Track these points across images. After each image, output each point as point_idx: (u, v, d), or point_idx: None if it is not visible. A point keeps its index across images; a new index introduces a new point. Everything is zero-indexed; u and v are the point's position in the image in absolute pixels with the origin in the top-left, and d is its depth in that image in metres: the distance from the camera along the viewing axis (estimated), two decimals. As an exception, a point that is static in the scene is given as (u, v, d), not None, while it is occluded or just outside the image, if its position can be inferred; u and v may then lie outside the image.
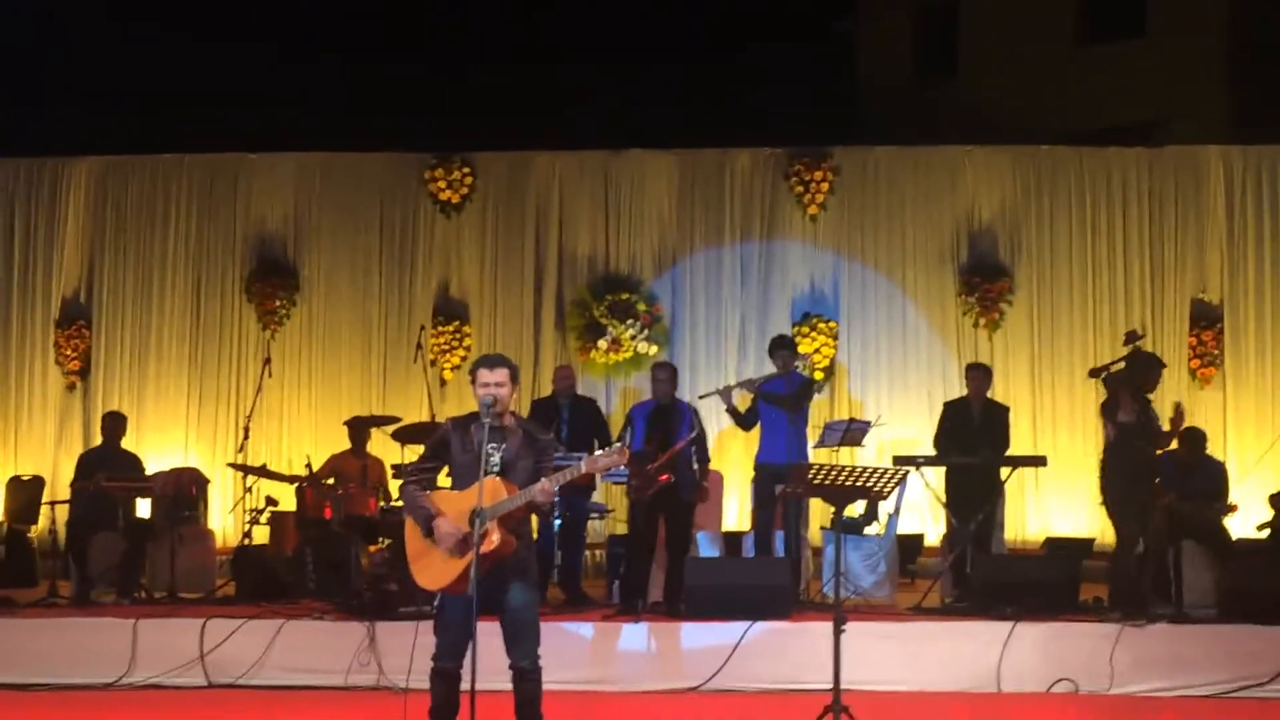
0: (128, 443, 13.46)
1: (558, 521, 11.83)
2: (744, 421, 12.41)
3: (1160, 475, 12.04)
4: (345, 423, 13.55)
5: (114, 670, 10.42)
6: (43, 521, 14.80)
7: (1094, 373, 11.70)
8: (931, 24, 21.85)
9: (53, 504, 13.67)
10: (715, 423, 13.86)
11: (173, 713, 9.52)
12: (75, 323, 16.37)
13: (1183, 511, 11.56)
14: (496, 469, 7.24)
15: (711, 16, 15.52)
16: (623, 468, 10.68)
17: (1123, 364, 11.30)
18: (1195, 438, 12.35)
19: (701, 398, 12.65)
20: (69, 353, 16.32)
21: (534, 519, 7.68)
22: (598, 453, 7.23)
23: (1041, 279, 15.92)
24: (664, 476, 10.92)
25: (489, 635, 7.19)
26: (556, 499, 7.44)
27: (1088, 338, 15.79)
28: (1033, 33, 20.50)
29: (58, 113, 15.58)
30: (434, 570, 7.25)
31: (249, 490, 12.86)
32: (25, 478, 15.59)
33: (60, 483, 14.99)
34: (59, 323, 16.41)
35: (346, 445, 13.36)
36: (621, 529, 13.77)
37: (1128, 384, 11.05)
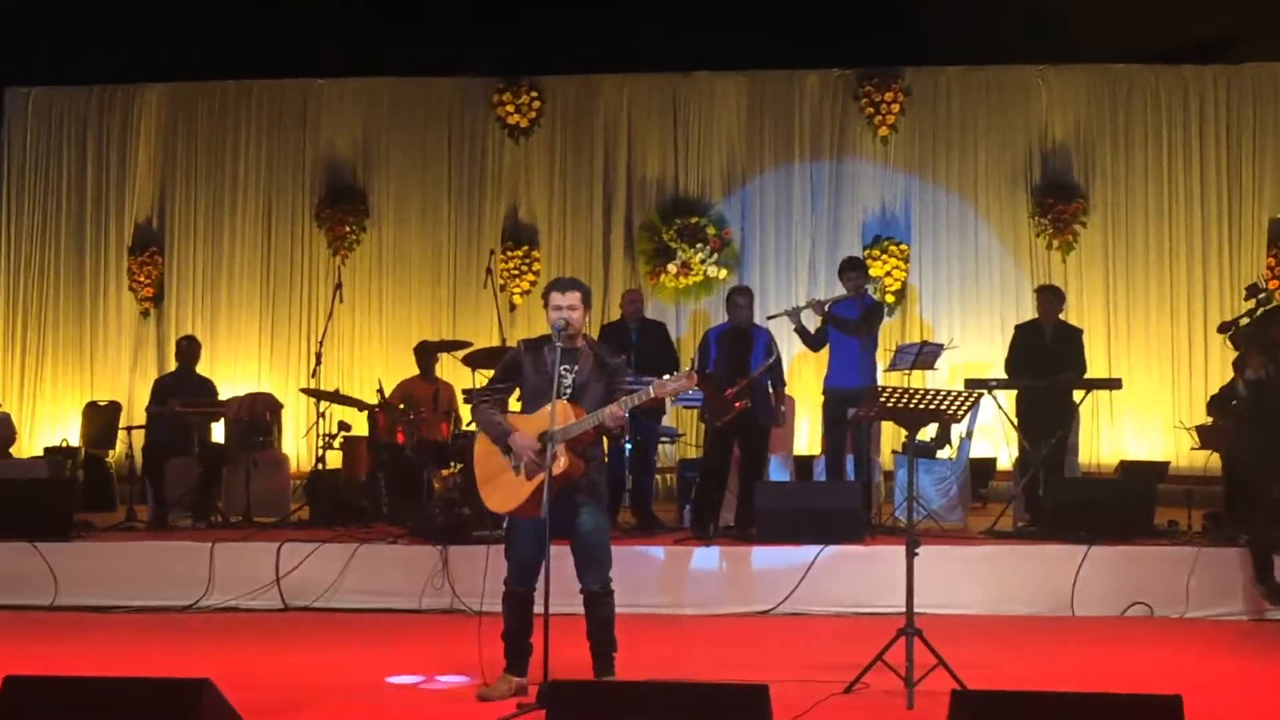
0: (202, 368, 13.56)
1: (628, 445, 11.83)
2: (813, 342, 12.34)
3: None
4: (414, 348, 13.59)
5: (192, 593, 10.54)
6: (119, 446, 15.03)
7: (1222, 328, 11.53)
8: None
9: (129, 429, 13.86)
10: (786, 347, 13.77)
11: (250, 635, 9.60)
12: (148, 249, 16.50)
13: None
14: (569, 392, 7.25)
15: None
16: (694, 391, 10.67)
17: (1247, 319, 11.06)
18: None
19: (770, 318, 12.59)
20: (142, 279, 16.46)
21: (604, 442, 7.68)
22: (666, 377, 7.20)
23: (1116, 200, 15.75)
24: (739, 403, 10.88)
25: (560, 558, 7.22)
26: (626, 422, 7.43)
27: (1163, 259, 15.64)
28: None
29: (127, 38, 15.56)
30: (504, 493, 7.28)
31: (322, 415, 12.94)
32: (102, 403, 15.81)
33: (136, 408, 15.16)
34: (132, 249, 16.55)
35: (417, 370, 13.41)
36: (692, 453, 13.82)
37: (1255, 339, 10.77)
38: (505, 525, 7.33)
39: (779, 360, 11.45)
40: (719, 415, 10.99)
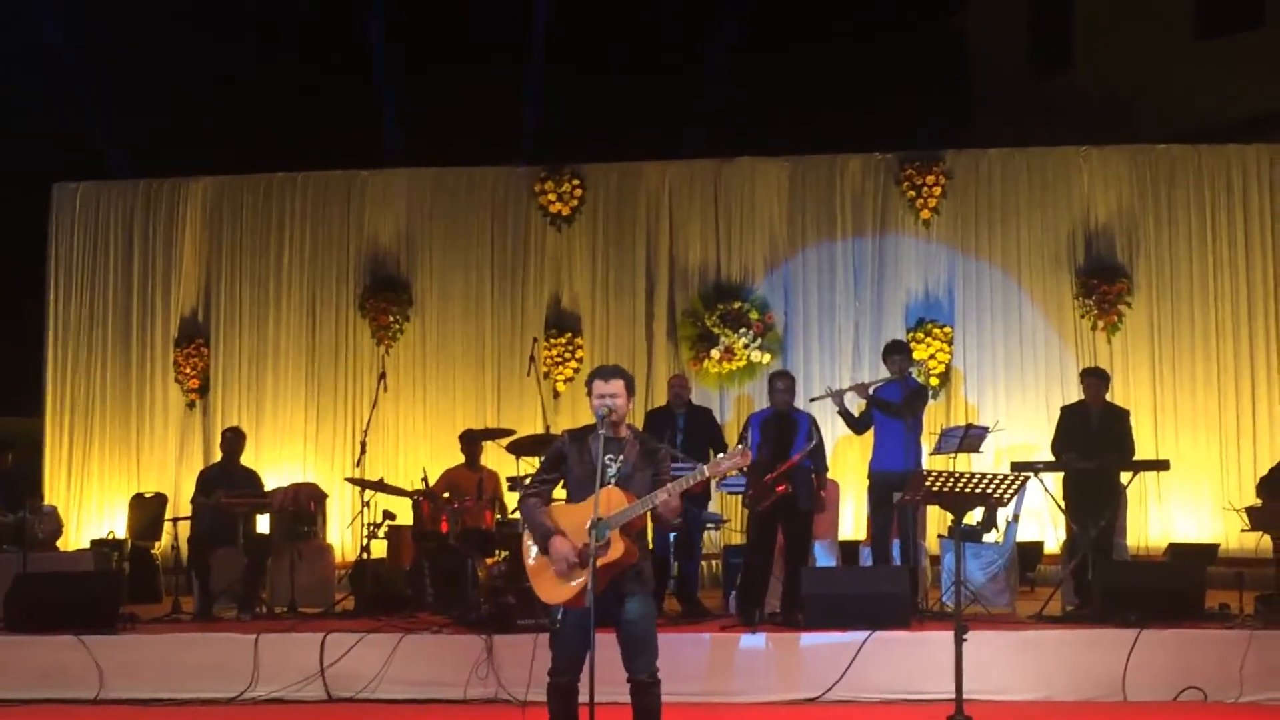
0: (247, 458, 13.61)
1: (673, 533, 11.79)
2: (857, 425, 12.32)
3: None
4: (459, 436, 13.61)
5: (237, 685, 10.52)
6: (165, 538, 15.05)
7: None
8: (1046, 18, 21.68)
9: (175, 520, 13.88)
10: (830, 430, 13.76)
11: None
12: (194, 341, 16.59)
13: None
14: (614, 480, 7.22)
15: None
16: (740, 474, 10.64)
17: None
18: None
19: (813, 400, 12.57)
20: (188, 371, 16.54)
21: (649, 531, 7.64)
22: (719, 456, 7.20)
23: (1161, 280, 15.68)
24: (781, 487, 10.86)
25: (606, 647, 7.17)
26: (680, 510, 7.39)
27: (1209, 339, 15.54)
28: (1149, 26, 20.25)
29: (174, 133, 15.82)
30: (555, 583, 7.24)
31: (366, 505, 12.94)
32: (148, 495, 15.85)
33: (182, 499, 15.18)
34: (178, 341, 16.64)
35: (461, 459, 13.42)
36: (737, 539, 13.75)
37: None
38: (560, 615, 7.27)
39: (821, 444, 11.42)
40: (760, 500, 10.96)
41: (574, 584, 7.12)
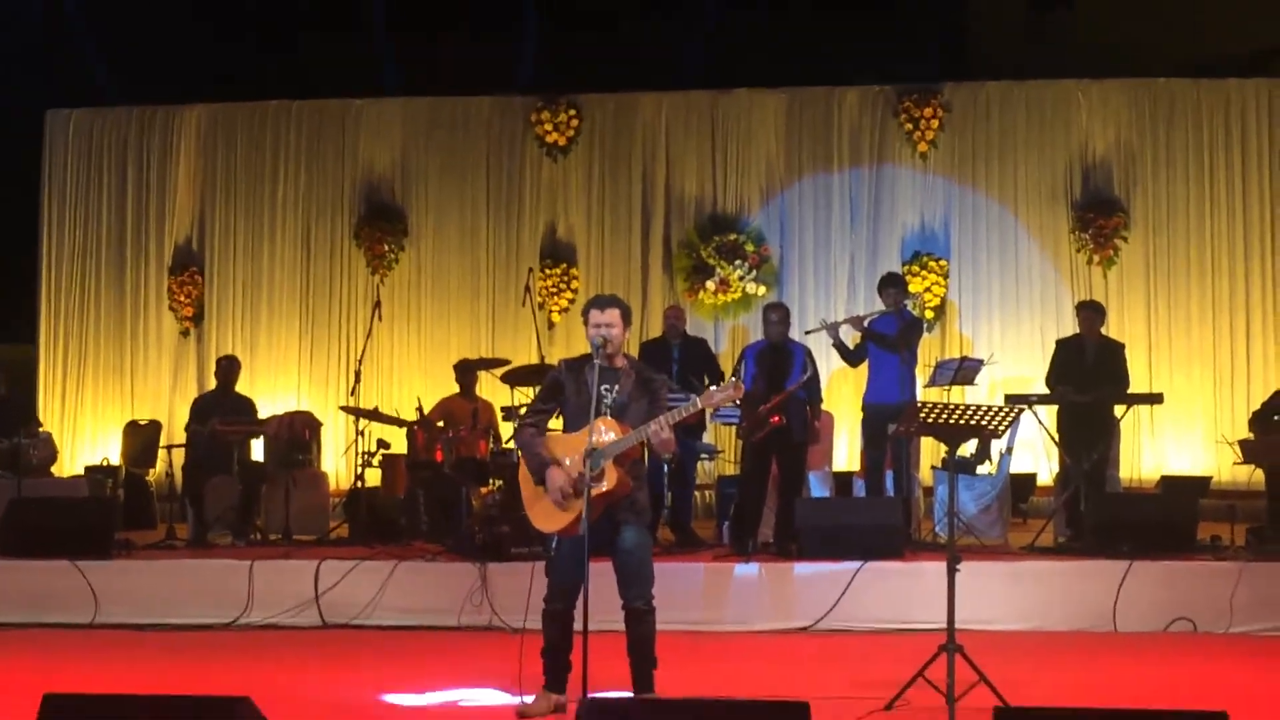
0: (241, 386, 13.61)
1: (667, 463, 11.81)
2: (851, 357, 12.33)
3: (1280, 410, 11.87)
4: (453, 366, 13.61)
5: (231, 611, 10.56)
6: (160, 465, 15.07)
7: None
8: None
9: (169, 448, 13.90)
10: (825, 362, 13.75)
11: (289, 653, 9.62)
12: (188, 269, 16.58)
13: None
14: (609, 410, 7.23)
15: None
16: (734, 406, 10.65)
17: None
18: None
19: (808, 333, 12.57)
20: (182, 299, 16.53)
21: (646, 460, 7.66)
22: (712, 388, 7.20)
23: (1157, 214, 15.66)
24: (775, 418, 10.87)
25: (601, 576, 7.21)
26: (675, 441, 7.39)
27: (1205, 274, 15.53)
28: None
29: (167, 60, 15.71)
30: (551, 513, 7.26)
31: (361, 433, 12.95)
32: (142, 422, 15.87)
33: (176, 427, 15.24)
34: (172, 269, 16.63)
35: (456, 388, 13.42)
36: (731, 470, 13.78)
37: None
38: (554, 543, 7.30)
39: (816, 376, 11.43)
40: (755, 431, 10.98)
41: (569, 513, 7.14)
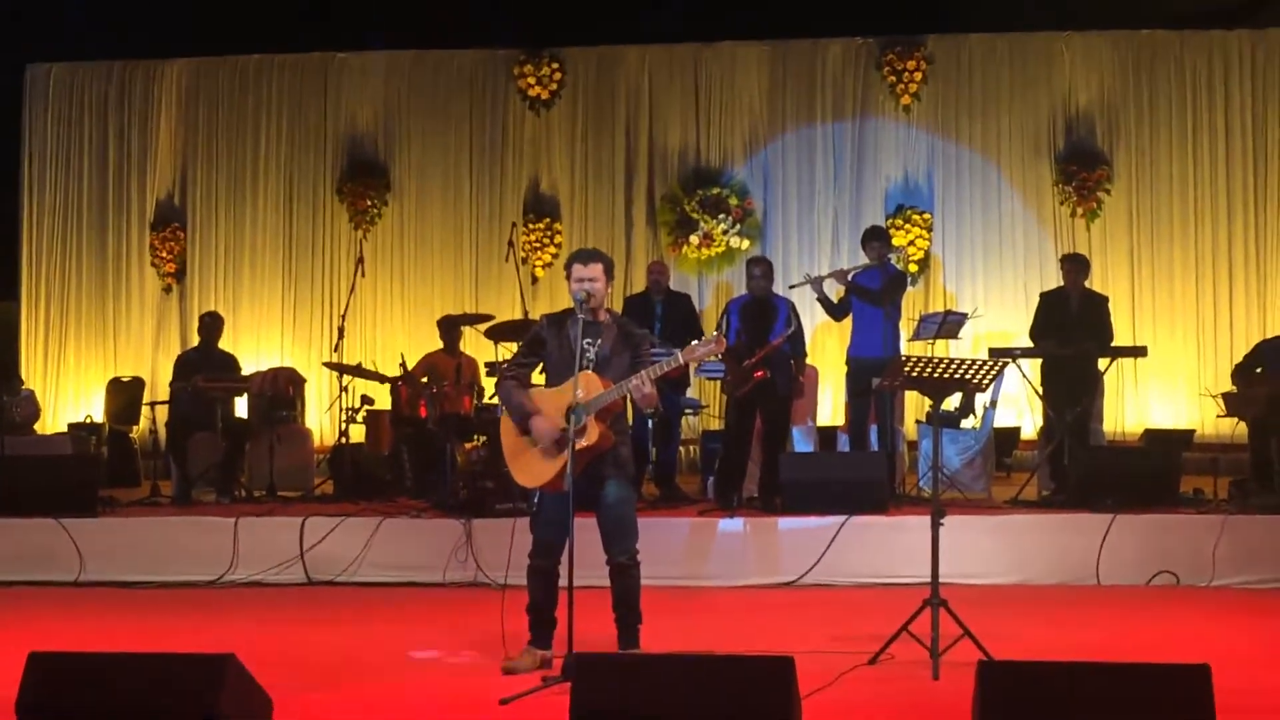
0: (224, 343, 13.59)
1: (650, 418, 11.81)
2: (836, 311, 12.30)
3: (1264, 362, 11.87)
4: (437, 322, 13.58)
5: (216, 568, 10.56)
6: (143, 422, 15.05)
7: None
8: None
9: (152, 405, 13.86)
10: (810, 316, 13.76)
11: (274, 609, 9.62)
12: (170, 225, 16.52)
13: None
14: (592, 364, 7.22)
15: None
16: (716, 360, 10.63)
17: None
18: None
19: (792, 287, 12.57)
20: (164, 255, 16.48)
21: (629, 415, 7.65)
22: (694, 342, 7.18)
23: (1140, 167, 15.66)
24: (759, 373, 10.87)
25: (586, 531, 7.21)
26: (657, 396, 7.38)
27: (1188, 226, 15.55)
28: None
29: (147, 13, 15.60)
30: (532, 468, 7.25)
31: (345, 389, 12.92)
32: (125, 379, 15.86)
33: (159, 384, 15.22)
34: (154, 225, 16.57)
35: (440, 344, 13.40)
36: (715, 424, 13.79)
37: None
38: (536, 499, 7.30)
39: (800, 330, 11.43)
40: (739, 386, 10.98)
41: (551, 468, 7.13)
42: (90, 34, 16.13)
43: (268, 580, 10.49)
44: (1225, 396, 11.92)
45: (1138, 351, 12.57)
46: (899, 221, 15.62)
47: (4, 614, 9.52)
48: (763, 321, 11.18)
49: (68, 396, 16.46)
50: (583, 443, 7.06)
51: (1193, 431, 14.48)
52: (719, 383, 12.46)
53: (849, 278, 12.02)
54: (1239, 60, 15.64)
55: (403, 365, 12.76)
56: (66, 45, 16.38)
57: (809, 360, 12.63)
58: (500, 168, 16.34)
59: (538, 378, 7.66)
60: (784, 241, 15.92)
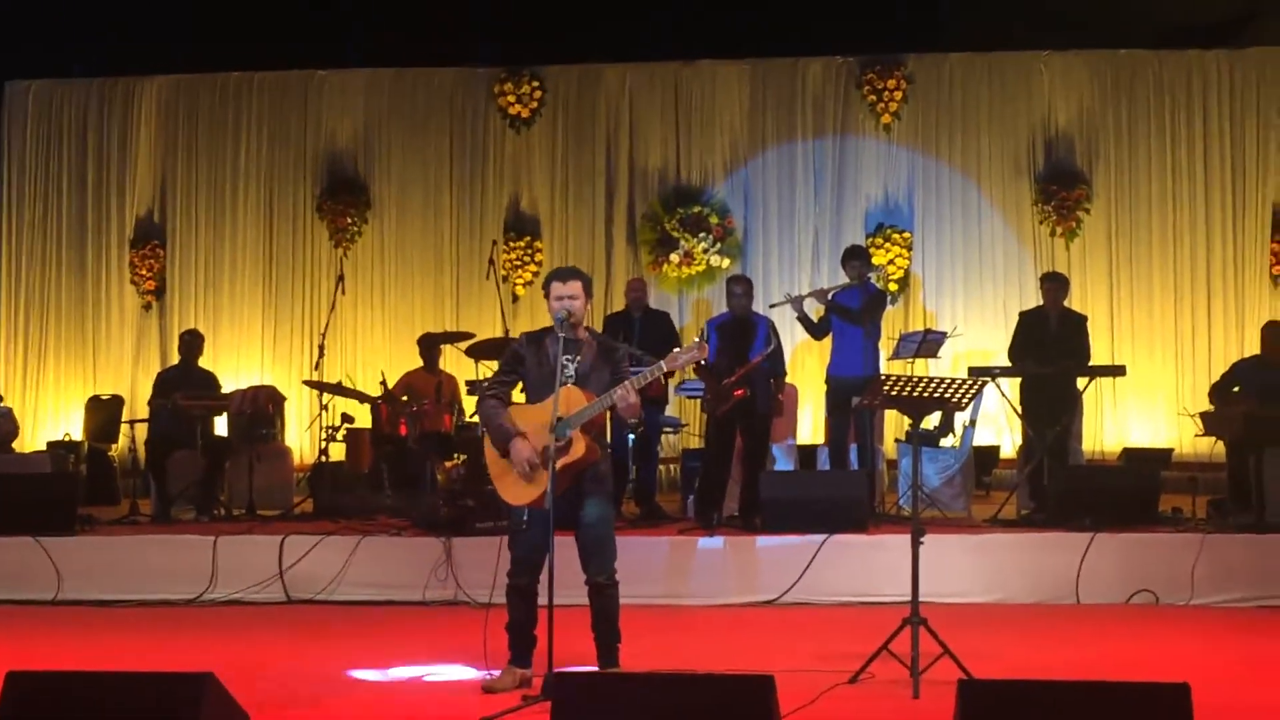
0: (204, 361, 13.55)
1: (631, 436, 11.81)
2: (816, 330, 12.32)
3: (1241, 381, 11.90)
4: (417, 340, 13.58)
5: (195, 587, 10.53)
6: (122, 440, 15.02)
7: None
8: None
9: (132, 423, 13.82)
10: (790, 335, 13.77)
11: (253, 628, 9.60)
12: (149, 243, 16.50)
13: (1264, 418, 11.35)
14: (571, 380, 7.22)
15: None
16: (695, 378, 10.65)
17: None
18: (1276, 337, 12.09)
19: (772, 306, 12.60)
20: (144, 272, 16.45)
21: (608, 433, 7.65)
22: (676, 350, 7.20)
23: (1120, 186, 15.72)
24: (739, 391, 10.87)
25: (565, 549, 7.20)
26: (640, 409, 7.37)
27: (1166, 246, 15.61)
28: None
29: (126, 32, 15.60)
30: (519, 485, 7.24)
31: (325, 408, 12.92)
32: (104, 397, 15.81)
33: (139, 402, 15.17)
34: (133, 243, 16.55)
35: (419, 362, 13.39)
36: (695, 443, 13.79)
37: None
38: (525, 515, 7.26)
39: (779, 348, 11.44)
40: (719, 404, 10.98)
41: (539, 485, 7.11)
42: (69, 51, 16.10)
43: (247, 599, 10.46)
44: (1203, 416, 11.95)
45: (1116, 371, 12.61)
46: (879, 240, 15.66)
47: (-18, 633, 9.48)
48: (742, 340, 11.18)
49: (46, 414, 16.41)
50: (569, 457, 7.06)
51: (1171, 450, 14.51)
52: (699, 401, 12.47)
53: (829, 297, 12.04)
54: (1217, 80, 15.72)
55: (383, 383, 12.75)
56: (45, 62, 16.35)
57: (789, 379, 12.64)
58: (481, 186, 16.35)
59: (518, 396, 7.66)
60: (764, 260, 15.95)
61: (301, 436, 15.33)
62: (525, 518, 7.26)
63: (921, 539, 7.48)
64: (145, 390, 14.29)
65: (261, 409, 13.16)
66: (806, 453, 13.87)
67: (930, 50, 15.97)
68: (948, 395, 7.83)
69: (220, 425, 13.40)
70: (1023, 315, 12.65)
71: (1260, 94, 15.64)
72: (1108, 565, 10.24)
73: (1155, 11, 15.31)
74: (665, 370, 7.20)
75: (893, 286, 15.42)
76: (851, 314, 11.85)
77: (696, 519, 11.32)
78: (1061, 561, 10.29)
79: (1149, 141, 15.72)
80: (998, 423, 14.91)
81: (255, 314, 16.38)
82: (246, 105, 16.60)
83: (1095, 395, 14.42)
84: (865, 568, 10.29)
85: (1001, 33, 15.66)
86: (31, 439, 15.92)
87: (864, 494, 10.99)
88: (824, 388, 12.46)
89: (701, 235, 15.76)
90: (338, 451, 13.39)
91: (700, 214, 15.83)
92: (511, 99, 16.19)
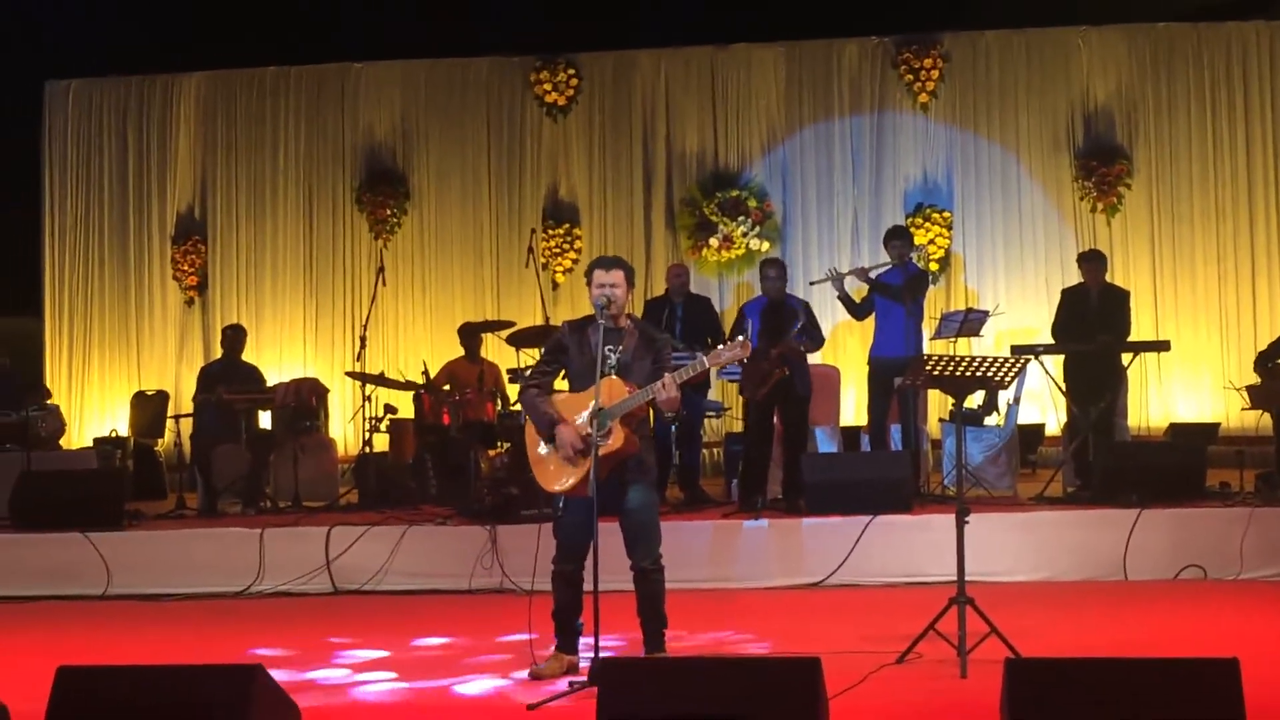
0: (247, 354, 13.61)
1: (674, 423, 11.81)
2: (857, 311, 12.27)
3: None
4: (457, 329, 13.59)
5: (243, 579, 10.58)
6: (168, 435, 15.12)
7: None
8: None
9: (177, 418, 13.93)
10: (831, 316, 13.77)
11: (302, 619, 9.64)
12: (191, 238, 16.58)
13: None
14: (614, 370, 7.22)
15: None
16: (738, 365, 10.63)
17: None
18: None
19: (813, 283, 12.60)
20: (186, 268, 16.53)
21: (651, 419, 7.66)
22: (719, 347, 7.19)
23: (1160, 161, 15.62)
24: (778, 371, 10.83)
25: (610, 535, 7.22)
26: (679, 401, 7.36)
27: (1209, 219, 15.49)
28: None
29: (162, 31, 15.69)
30: (558, 473, 7.26)
31: (368, 399, 12.95)
32: (149, 393, 15.90)
33: (183, 397, 15.24)
34: (175, 239, 16.63)
35: (460, 352, 13.41)
36: (738, 427, 13.75)
37: None
38: (560, 504, 7.29)
39: (812, 321, 11.34)
40: (758, 387, 10.95)
41: (577, 473, 7.14)
42: (108, 49, 16.19)
43: (294, 590, 10.51)
44: (1250, 389, 11.88)
45: (1160, 346, 12.54)
46: (919, 220, 15.61)
47: (32, 628, 9.56)
48: (778, 324, 11.14)
49: (92, 410, 16.52)
50: (608, 447, 7.07)
51: (1218, 425, 14.42)
52: (739, 385, 12.45)
53: (870, 275, 12.01)
54: (1256, 51, 15.59)
55: (425, 373, 12.78)
56: (85, 61, 16.45)
57: (832, 360, 12.62)
58: (519, 174, 16.37)
59: (560, 384, 7.66)
60: (804, 243, 15.92)
61: (345, 428, 15.40)
62: (561, 504, 7.26)
63: (967, 518, 7.46)
64: (189, 385, 14.36)
65: (305, 401, 13.23)
66: (850, 434, 13.82)
67: (966, 28, 15.89)
68: (991, 374, 7.80)
69: (264, 419, 13.46)
70: (1065, 292, 12.58)
71: (1300, 64, 15.52)
72: (1155, 541, 10.18)
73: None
74: (706, 366, 7.18)
75: (934, 266, 15.37)
76: (893, 290, 11.80)
77: (740, 503, 11.30)
78: (1108, 538, 10.23)
79: (1189, 115, 15.61)
80: (1042, 400, 14.82)
81: (297, 307, 16.44)
82: (284, 99, 16.66)
83: (1140, 371, 14.35)
84: (910, 548, 10.26)
85: (1037, 9, 15.59)
86: (78, 435, 16.04)
87: (908, 474, 10.95)
88: (866, 369, 12.42)
89: (740, 219, 15.73)
90: (381, 442, 13.43)
91: (738, 198, 15.81)
92: (548, 87, 16.21)
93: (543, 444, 7.35)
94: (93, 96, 16.84)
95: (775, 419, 11.31)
